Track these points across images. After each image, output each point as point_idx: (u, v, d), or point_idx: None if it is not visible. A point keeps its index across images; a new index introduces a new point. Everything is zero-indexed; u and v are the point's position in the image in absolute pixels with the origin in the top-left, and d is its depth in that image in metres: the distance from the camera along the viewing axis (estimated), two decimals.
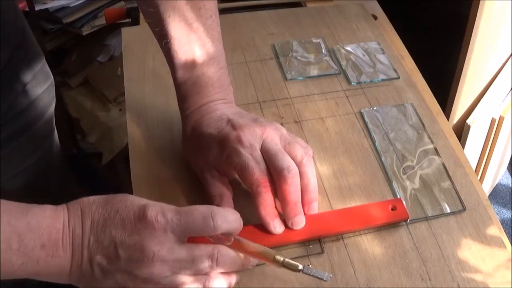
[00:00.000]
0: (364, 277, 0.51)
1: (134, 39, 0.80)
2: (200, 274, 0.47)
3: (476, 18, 0.96)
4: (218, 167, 0.57)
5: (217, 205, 0.56)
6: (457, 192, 0.59)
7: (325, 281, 0.48)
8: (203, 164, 0.58)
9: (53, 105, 0.81)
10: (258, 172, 0.53)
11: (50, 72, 0.79)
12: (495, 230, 0.55)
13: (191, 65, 0.59)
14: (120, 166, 1.47)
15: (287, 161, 0.54)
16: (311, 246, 0.54)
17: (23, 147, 0.74)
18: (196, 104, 0.60)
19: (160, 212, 0.46)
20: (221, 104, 0.60)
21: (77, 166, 1.10)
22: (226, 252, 0.48)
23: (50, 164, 0.83)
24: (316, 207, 0.55)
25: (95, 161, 1.54)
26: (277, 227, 0.53)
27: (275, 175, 0.53)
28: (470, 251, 0.54)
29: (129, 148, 0.64)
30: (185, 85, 0.60)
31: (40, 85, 0.76)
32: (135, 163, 0.62)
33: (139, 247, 0.44)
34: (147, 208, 0.46)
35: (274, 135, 0.56)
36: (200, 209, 0.47)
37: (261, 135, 0.56)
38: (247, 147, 0.54)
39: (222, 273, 0.48)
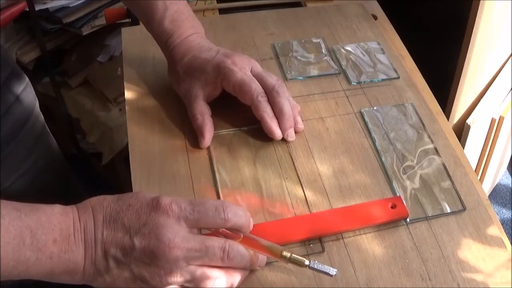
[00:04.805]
0: (364, 276, 0.51)
1: (134, 39, 0.80)
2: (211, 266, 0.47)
3: (476, 18, 0.96)
4: (206, 87, 0.64)
5: (198, 124, 0.63)
6: (457, 192, 0.59)
7: (332, 276, 0.48)
8: (190, 84, 0.65)
9: (37, 105, 0.82)
10: (254, 85, 0.62)
11: (24, 73, 0.80)
12: (495, 230, 0.55)
13: (164, 4, 0.66)
14: (120, 166, 1.47)
15: (276, 79, 0.64)
16: (311, 245, 0.54)
17: (18, 150, 0.75)
18: (181, 36, 0.67)
19: (174, 201, 0.47)
20: (200, 38, 0.68)
21: (77, 166, 1.10)
22: (237, 247, 0.48)
23: (48, 167, 0.83)
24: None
25: (95, 161, 1.54)
26: (279, 134, 0.62)
27: (268, 91, 0.62)
28: (470, 251, 0.54)
29: (129, 148, 0.64)
30: (166, 25, 0.67)
31: (18, 84, 0.77)
32: (135, 163, 0.62)
33: (154, 235, 0.45)
34: (160, 198, 0.47)
35: (256, 64, 0.66)
36: (212, 201, 0.49)
37: (248, 62, 0.65)
38: (242, 68, 0.63)
39: (227, 271, 0.48)
